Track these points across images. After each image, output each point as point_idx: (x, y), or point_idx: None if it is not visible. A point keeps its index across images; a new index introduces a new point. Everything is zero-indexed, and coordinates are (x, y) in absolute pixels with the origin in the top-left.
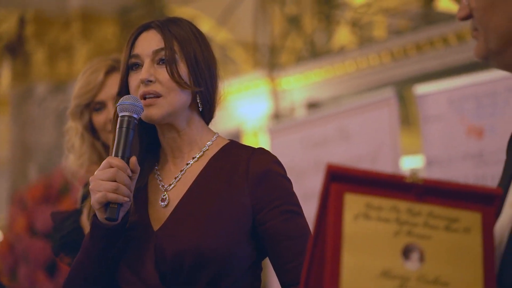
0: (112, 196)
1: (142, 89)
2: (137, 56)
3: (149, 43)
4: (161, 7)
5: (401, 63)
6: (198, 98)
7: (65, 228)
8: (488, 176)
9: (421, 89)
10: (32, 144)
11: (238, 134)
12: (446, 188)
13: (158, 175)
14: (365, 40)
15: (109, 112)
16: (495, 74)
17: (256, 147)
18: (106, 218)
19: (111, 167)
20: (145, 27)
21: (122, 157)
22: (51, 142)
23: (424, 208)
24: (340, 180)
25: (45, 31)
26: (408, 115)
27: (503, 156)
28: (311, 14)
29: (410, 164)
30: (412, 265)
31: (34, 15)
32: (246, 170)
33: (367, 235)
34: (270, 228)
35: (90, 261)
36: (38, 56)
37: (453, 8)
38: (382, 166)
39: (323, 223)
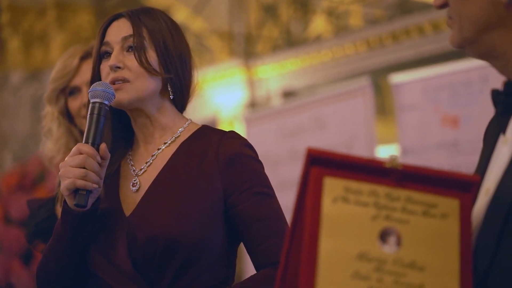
0: (80, 182)
1: (111, 75)
2: (107, 43)
3: (119, 30)
4: None
5: (376, 52)
6: (169, 86)
7: (40, 216)
8: (463, 165)
9: (396, 78)
10: (7, 133)
11: (213, 122)
12: (424, 174)
13: (130, 159)
14: (341, 29)
15: (83, 97)
16: (470, 63)
17: (226, 131)
18: (75, 205)
19: (81, 153)
20: (116, 17)
21: (93, 144)
22: (26, 130)
23: (403, 193)
24: (320, 163)
25: (20, 19)
26: (383, 104)
27: (478, 146)
28: (287, 3)
29: (385, 153)
30: (389, 249)
31: (9, 3)
32: (216, 154)
33: (345, 218)
34: (242, 211)
35: (61, 247)
36: (13, 44)
37: None
38: (358, 154)
39: (302, 206)
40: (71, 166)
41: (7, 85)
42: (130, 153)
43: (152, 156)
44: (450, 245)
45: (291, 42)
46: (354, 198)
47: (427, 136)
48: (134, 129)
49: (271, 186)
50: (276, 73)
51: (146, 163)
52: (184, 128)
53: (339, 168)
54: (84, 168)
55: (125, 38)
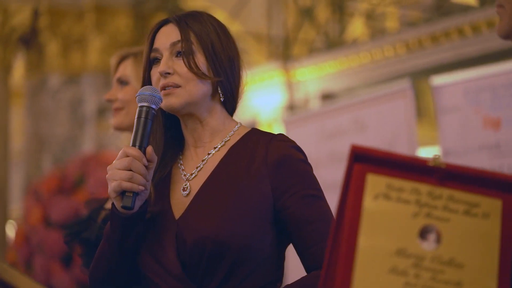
0: (126, 184)
1: (162, 82)
2: (156, 50)
3: (167, 36)
4: None
5: (415, 55)
6: (219, 89)
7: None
8: (505, 167)
9: (437, 80)
10: (46, 136)
11: (253, 125)
12: (467, 174)
13: (181, 164)
14: (378, 32)
15: (111, 93)
16: (511, 65)
17: (275, 133)
18: (122, 207)
19: (127, 156)
20: (164, 22)
21: (140, 147)
22: (65, 134)
23: (445, 192)
24: (363, 160)
25: (58, 23)
26: (422, 106)
27: None
28: (324, 5)
29: (427, 155)
30: (428, 245)
31: (48, 7)
32: (265, 157)
33: (386, 215)
34: (292, 214)
35: (111, 249)
36: (52, 47)
37: None
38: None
39: (345, 203)
40: (118, 169)
41: (46, 88)
42: (180, 157)
43: (203, 161)
44: (490, 245)
45: (329, 44)
46: (396, 195)
47: (469, 138)
48: (184, 133)
49: (320, 188)
50: (314, 75)
51: (197, 167)
52: (234, 131)
53: (382, 165)
54: (130, 170)
55: (173, 44)
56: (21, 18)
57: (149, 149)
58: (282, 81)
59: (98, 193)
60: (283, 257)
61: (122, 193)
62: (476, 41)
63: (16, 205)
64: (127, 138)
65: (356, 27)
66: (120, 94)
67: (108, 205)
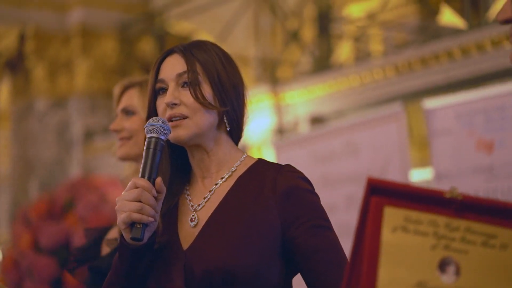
0: (136, 216)
1: (168, 112)
2: (162, 80)
3: (173, 67)
4: (161, 23)
5: (405, 77)
6: (225, 118)
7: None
8: (499, 190)
9: (429, 103)
10: (33, 160)
11: (243, 149)
12: (484, 205)
13: (188, 195)
14: (365, 54)
15: (116, 123)
16: (504, 88)
17: (282, 164)
18: (131, 238)
19: (136, 187)
20: (169, 52)
21: (149, 178)
22: (52, 157)
23: (462, 224)
24: (380, 193)
25: (45, 47)
26: (412, 129)
27: None
28: (311, 27)
29: (419, 177)
30: (448, 278)
31: (34, 31)
32: (273, 188)
33: (405, 247)
34: (300, 244)
35: (118, 280)
36: (38, 71)
37: (457, 22)
38: (392, 180)
39: (362, 236)
40: (127, 200)
41: (33, 112)
42: (187, 187)
43: (210, 191)
44: (509, 276)
45: (316, 67)
46: (414, 227)
47: (462, 161)
48: (191, 164)
49: (328, 218)
50: (303, 98)
51: (204, 198)
52: (241, 162)
53: (399, 197)
54: (140, 201)
55: (179, 75)
56: (7, 42)
57: (159, 180)
58: (271, 104)
59: (87, 217)
60: (291, 287)
61: (131, 224)
62: (466, 63)
63: (3, 229)
64: (128, 166)
65: (344, 50)
66: (127, 124)
67: (111, 235)
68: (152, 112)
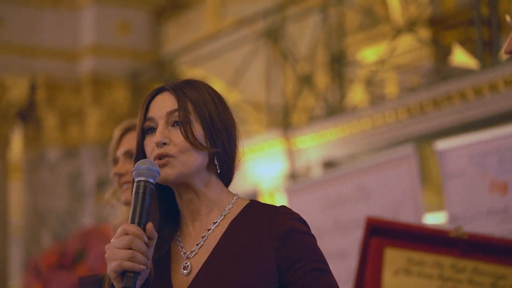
0: (128, 264)
1: (156, 151)
2: (151, 119)
3: (163, 105)
4: (171, 70)
5: (417, 120)
6: (215, 160)
7: None
8: None
9: (441, 144)
10: (45, 210)
11: (254, 195)
12: (492, 244)
13: (179, 241)
14: (377, 98)
15: (118, 167)
16: None
17: (277, 206)
18: None
19: (127, 234)
20: (159, 90)
21: (139, 224)
22: (64, 207)
23: (469, 264)
24: (380, 234)
25: (56, 96)
26: (425, 172)
27: None
28: (323, 72)
29: (433, 221)
30: None
31: (45, 80)
32: (269, 230)
33: None
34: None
35: None
36: (50, 121)
37: (469, 62)
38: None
39: (363, 278)
40: (118, 248)
41: (44, 162)
42: (178, 233)
43: (203, 237)
44: None
45: (329, 111)
46: (417, 269)
47: (475, 203)
48: (179, 206)
49: (326, 261)
50: (315, 143)
51: (197, 245)
52: (233, 204)
53: (400, 238)
54: (131, 249)
55: (170, 113)
56: (18, 92)
57: (149, 225)
58: (283, 149)
59: (98, 267)
60: None
61: (122, 273)
62: (479, 104)
63: (16, 281)
64: (120, 213)
65: (356, 94)
66: (131, 167)
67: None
68: (140, 152)
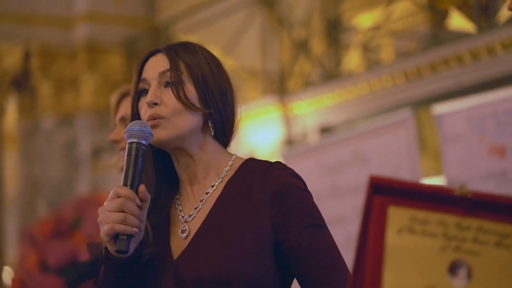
0: (120, 227)
1: (149, 112)
2: (144, 80)
3: (156, 66)
4: (167, 36)
5: (414, 84)
6: (209, 122)
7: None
8: None
9: (439, 109)
10: (40, 179)
11: None
12: (497, 202)
13: (178, 205)
14: (374, 63)
15: (116, 133)
16: None
17: (272, 162)
18: (116, 251)
19: (119, 197)
20: (153, 52)
21: (131, 186)
22: (59, 176)
23: (474, 223)
24: (384, 192)
25: (50, 64)
26: (422, 137)
27: None
28: (319, 38)
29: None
30: (459, 283)
31: (39, 48)
32: (262, 188)
33: (412, 250)
34: (293, 246)
35: None
36: (44, 89)
37: (466, 26)
38: None
39: (365, 238)
40: (109, 211)
41: (39, 131)
42: (177, 196)
43: (201, 201)
44: None
45: (325, 77)
46: (421, 228)
47: (474, 167)
48: (177, 170)
49: (321, 216)
50: (311, 109)
51: (195, 208)
52: (230, 166)
53: (404, 196)
54: (123, 212)
55: (162, 73)
56: (12, 60)
57: (142, 188)
58: (279, 115)
59: (95, 235)
60: None
61: (115, 236)
62: (476, 68)
63: (12, 250)
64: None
65: (352, 59)
66: None
67: None
68: (135, 114)
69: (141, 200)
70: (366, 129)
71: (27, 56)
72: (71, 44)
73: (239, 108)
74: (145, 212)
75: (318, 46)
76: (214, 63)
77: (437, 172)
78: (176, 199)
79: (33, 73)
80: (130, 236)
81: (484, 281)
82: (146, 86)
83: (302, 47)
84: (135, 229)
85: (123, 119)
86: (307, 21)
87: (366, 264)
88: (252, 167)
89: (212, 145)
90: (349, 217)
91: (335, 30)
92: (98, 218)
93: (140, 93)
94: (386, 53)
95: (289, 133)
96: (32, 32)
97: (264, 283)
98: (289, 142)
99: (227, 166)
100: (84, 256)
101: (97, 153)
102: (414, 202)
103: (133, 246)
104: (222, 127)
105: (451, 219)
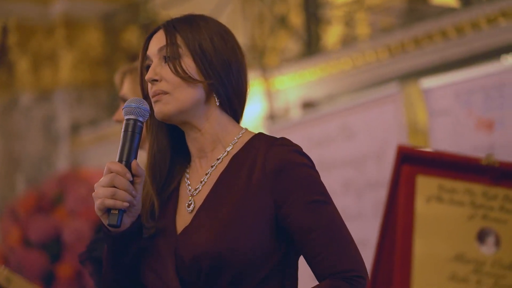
0: (109, 202)
1: (151, 89)
2: (148, 57)
3: (156, 42)
4: (146, 11)
5: (398, 59)
6: (213, 93)
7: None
8: None
9: (426, 83)
10: (19, 155)
11: None
12: None
13: (187, 178)
14: (351, 39)
15: (118, 113)
16: (503, 65)
17: (277, 138)
18: (108, 225)
19: (111, 172)
20: (157, 29)
21: (126, 162)
22: (38, 152)
23: (500, 192)
24: (412, 161)
25: (28, 39)
26: (409, 110)
27: None
28: (298, 12)
29: None
30: (487, 250)
31: (17, 23)
32: (263, 164)
33: (440, 218)
34: (295, 222)
35: (108, 268)
36: (22, 65)
37: (449, 0)
38: (389, 163)
39: (393, 207)
40: (102, 186)
41: (17, 107)
42: (188, 170)
43: (207, 174)
44: None
45: (306, 52)
46: (449, 197)
47: (461, 141)
48: (188, 144)
49: (326, 192)
50: (294, 83)
51: (201, 182)
52: (238, 139)
53: (431, 166)
54: (114, 187)
55: (160, 49)
56: None
57: (134, 163)
58: (261, 90)
59: (77, 210)
60: (295, 267)
61: (108, 210)
62: (460, 42)
63: None
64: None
65: (333, 34)
66: None
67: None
68: (145, 91)
69: (134, 175)
70: (353, 104)
71: (4, 32)
72: (49, 19)
73: (246, 78)
74: (140, 187)
75: (296, 21)
76: (217, 34)
77: (423, 145)
78: (186, 172)
79: (11, 48)
80: (122, 211)
81: None
82: (149, 63)
83: (282, 21)
84: (126, 204)
85: (122, 99)
86: None
87: (397, 232)
88: (258, 143)
89: (219, 117)
90: (336, 191)
91: (314, 5)
92: (93, 193)
93: (147, 69)
94: (362, 28)
95: (271, 108)
96: (9, 7)
97: (264, 261)
98: (271, 117)
99: (234, 139)
100: (67, 231)
101: (75, 128)
102: (442, 171)
103: (128, 220)
104: (228, 97)
105: (478, 188)
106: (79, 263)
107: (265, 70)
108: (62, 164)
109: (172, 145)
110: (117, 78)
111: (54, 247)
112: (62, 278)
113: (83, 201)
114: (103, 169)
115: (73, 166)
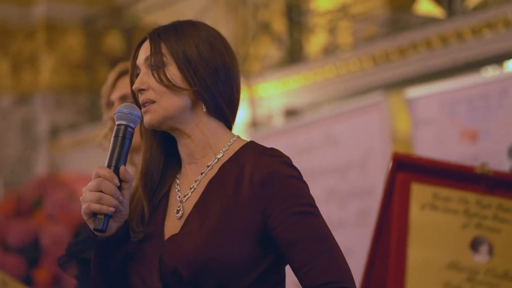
0: (95, 206)
1: (140, 98)
2: (137, 66)
3: (143, 52)
4: (127, 16)
5: (383, 68)
6: (200, 100)
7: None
8: None
9: (411, 92)
10: None
11: None
12: None
13: (177, 184)
14: (334, 48)
15: (113, 111)
16: (487, 76)
17: (267, 148)
18: (93, 229)
19: (99, 177)
20: (145, 38)
21: (115, 167)
22: (17, 155)
23: (494, 201)
24: (407, 169)
25: (8, 42)
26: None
27: (498, 159)
28: (282, 19)
29: None
30: (481, 258)
31: None
32: (252, 175)
33: (434, 226)
34: (281, 233)
35: (95, 272)
36: (2, 67)
37: (435, 10)
38: (373, 172)
39: (387, 213)
40: (89, 190)
41: None
42: (178, 176)
43: (196, 181)
44: None
45: (290, 59)
46: (443, 205)
47: (445, 151)
48: (179, 150)
49: (313, 203)
50: (277, 91)
51: (191, 188)
52: (228, 146)
53: (426, 174)
54: (100, 191)
55: (146, 59)
56: None
57: (122, 168)
58: (244, 97)
59: (56, 215)
60: (282, 277)
61: (94, 215)
62: (445, 52)
63: None
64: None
65: (317, 42)
66: None
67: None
68: (136, 100)
69: (122, 180)
70: (337, 112)
71: None
72: (29, 22)
73: (237, 84)
74: (127, 192)
75: (280, 28)
76: (204, 41)
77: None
78: (177, 178)
79: None
80: (108, 216)
81: (505, 257)
82: (138, 72)
83: (265, 28)
84: (111, 209)
85: (122, 98)
86: (267, 2)
87: (391, 239)
88: (248, 151)
89: (208, 123)
90: (320, 199)
91: (297, 13)
92: (80, 197)
93: (136, 77)
94: (346, 36)
95: (254, 115)
96: None
97: (248, 271)
98: (254, 124)
99: (225, 146)
100: (45, 235)
101: (55, 132)
102: (436, 179)
103: (115, 225)
104: (215, 104)
105: (472, 197)
106: (57, 267)
107: (247, 77)
108: (41, 168)
109: (165, 151)
110: (111, 76)
111: (32, 252)
112: (39, 283)
113: (62, 205)
114: (82, 173)
115: (52, 170)
